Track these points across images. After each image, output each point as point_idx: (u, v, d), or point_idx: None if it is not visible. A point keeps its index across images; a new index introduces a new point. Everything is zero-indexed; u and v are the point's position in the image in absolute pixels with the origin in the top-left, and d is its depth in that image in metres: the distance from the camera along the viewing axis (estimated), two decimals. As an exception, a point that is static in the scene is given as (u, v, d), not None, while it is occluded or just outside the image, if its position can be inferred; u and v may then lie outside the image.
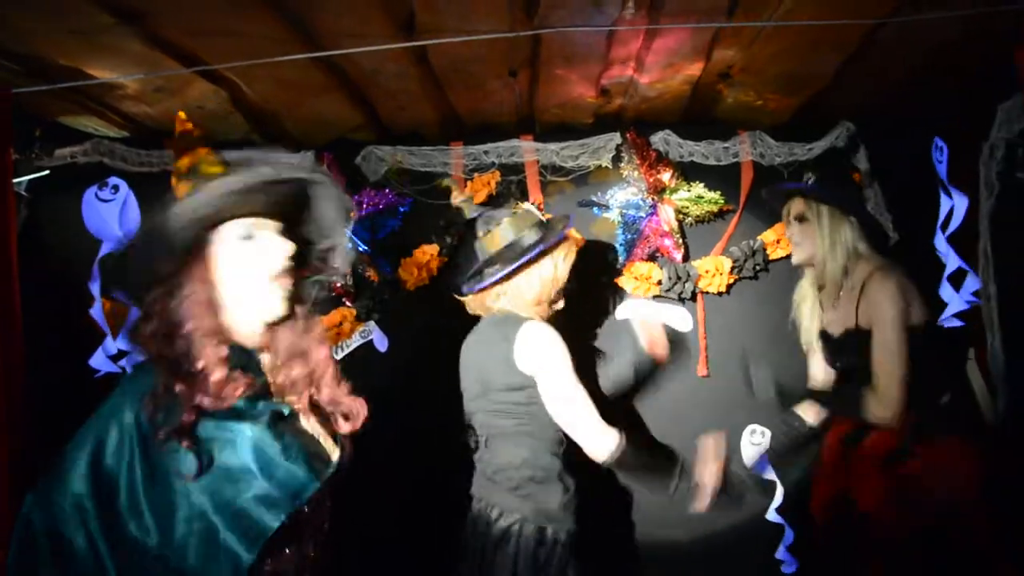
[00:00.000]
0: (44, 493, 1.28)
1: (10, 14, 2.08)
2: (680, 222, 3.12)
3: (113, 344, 2.69)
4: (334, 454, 1.56)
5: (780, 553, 2.89)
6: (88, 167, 3.10)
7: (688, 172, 3.14)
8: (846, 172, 3.06)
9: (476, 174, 3.20)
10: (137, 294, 1.42)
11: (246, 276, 1.48)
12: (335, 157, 3.18)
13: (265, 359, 1.55)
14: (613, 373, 2.67)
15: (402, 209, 3.22)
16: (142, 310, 1.41)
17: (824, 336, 2.59)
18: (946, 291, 2.44)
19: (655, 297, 3.09)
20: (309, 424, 1.56)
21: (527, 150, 3.18)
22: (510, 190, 3.16)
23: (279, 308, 1.51)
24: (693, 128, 3.16)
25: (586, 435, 2.16)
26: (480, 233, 2.44)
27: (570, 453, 2.25)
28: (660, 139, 3.14)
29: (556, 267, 2.34)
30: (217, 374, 1.37)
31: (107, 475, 1.29)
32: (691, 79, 2.74)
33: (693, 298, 3.11)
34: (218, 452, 1.36)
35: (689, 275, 3.05)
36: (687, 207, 3.10)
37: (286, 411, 1.50)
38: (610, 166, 3.16)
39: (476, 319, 2.46)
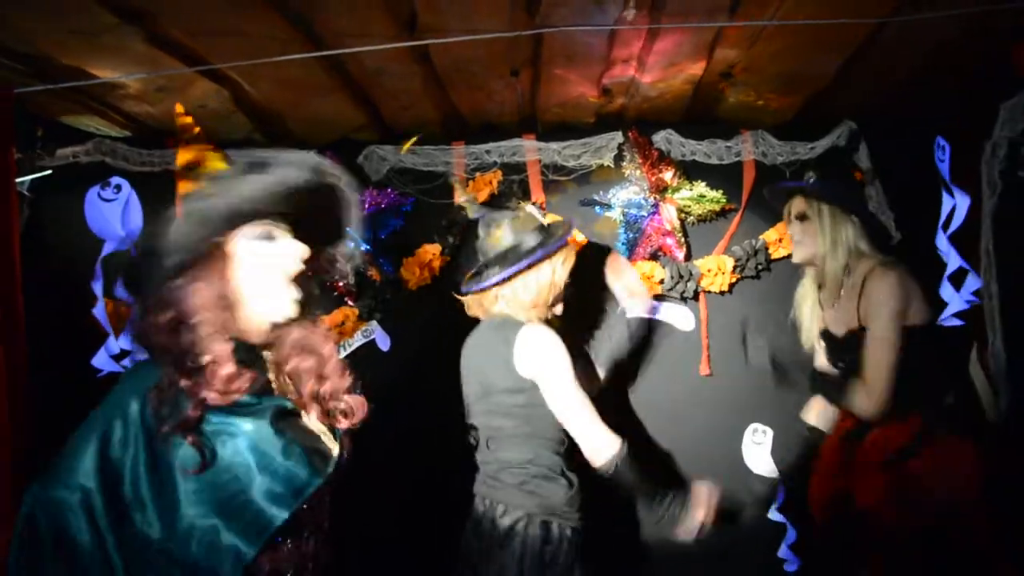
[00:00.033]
0: (47, 490, 1.28)
1: (13, 14, 2.08)
2: (682, 221, 3.12)
3: (116, 344, 2.69)
4: (334, 451, 1.57)
5: (782, 552, 2.89)
6: (90, 167, 3.10)
7: (690, 171, 3.14)
8: (848, 171, 3.06)
9: (478, 173, 3.20)
10: (153, 286, 1.42)
11: (261, 276, 1.49)
12: (337, 156, 3.18)
13: (268, 356, 1.57)
14: (611, 343, 2.67)
15: (404, 208, 3.22)
16: (156, 299, 1.41)
17: (826, 336, 2.59)
18: (946, 290, 2.44)
19: (657, 296, 3.09)
20: (311, 421, 1.57)
21: (529, 149, 3.18)
22: (512, 189, 3.16)
23: (290, 310, 1.53)
24: (695, 127, 3.16)
25: (587, 437, 2.17)
26: (481, 234, 2.45)
27: (572, 451, 2.26)
28: (662, 138, 3.14)
29: (554, 272, 2.34)
30: (226, 368, 1.38)
31: (114, 468, 1.29)
32: (693, 78, 2.74)
33: (695, 297, 3.11)
34: (221, 447, 1.36)
35: (691, 274, 3.05)
36: (689, 206, 3.09)
37: (289, 406, 1.51)
38: (612, 165, 3.16)
39: (477, 319, 2.47)
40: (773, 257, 3.09)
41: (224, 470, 1.35)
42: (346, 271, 3.05)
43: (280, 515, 1.37)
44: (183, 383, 1.35)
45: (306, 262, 1.55)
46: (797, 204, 2.59)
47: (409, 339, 3.17)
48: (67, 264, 2.95)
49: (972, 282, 2.40)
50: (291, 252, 1.52)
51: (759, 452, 3.00)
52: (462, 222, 3.14)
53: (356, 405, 1.66)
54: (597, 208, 3.16)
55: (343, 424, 1.63)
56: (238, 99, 2.76)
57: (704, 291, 3.10)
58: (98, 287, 2.61)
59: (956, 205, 2.37)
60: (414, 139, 3.14)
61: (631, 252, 3.09)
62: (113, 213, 2.59)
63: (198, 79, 2.54)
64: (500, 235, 2.39)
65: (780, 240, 3.06)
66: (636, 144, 3.08)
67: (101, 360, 2.71)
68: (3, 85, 2.26)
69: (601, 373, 2.68)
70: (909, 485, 2.27)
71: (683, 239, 3.09)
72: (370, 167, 3.21)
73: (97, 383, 2.70)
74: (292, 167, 1.49)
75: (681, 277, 3.05)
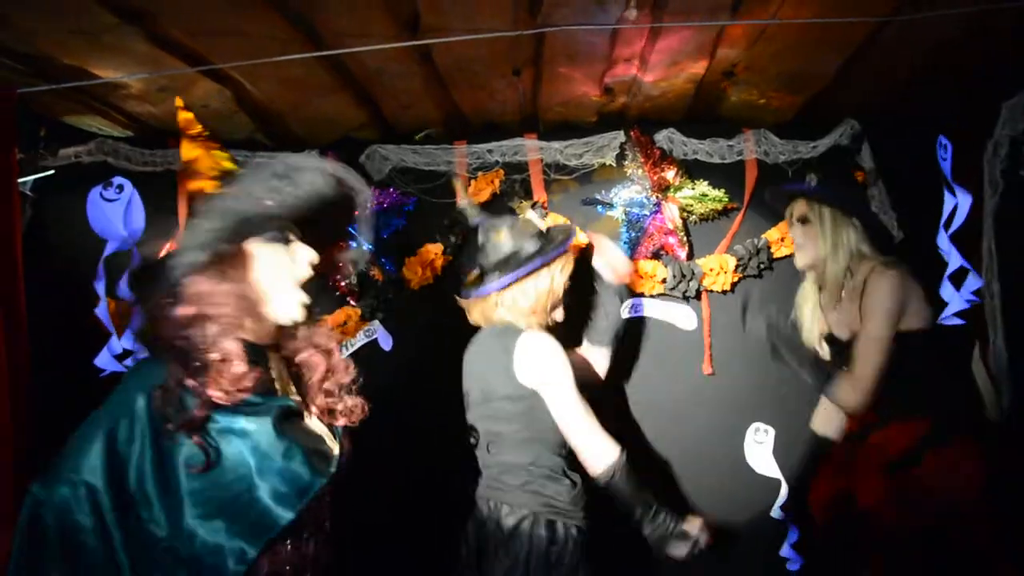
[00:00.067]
0: (52, 489, 1.27)
1: (14, 14, 2.08)
2: (684, 220, 3.12)
3: (118, 343, 2.69)
4: (335, 452, 1.58)
5: (785, 551, 2.89)
6: (92, 167, 3.10)
7: (692, 170, 3.14)
8: (849, 172, 3.05)
9: (480, 173, 3.20)
10: (172, 282, 1.42)
11: (275, 278, 1.52)
12: (339, 156, 3.18)
13: (271, 356, 1.57)
14: (604, 324, 2.67)
15: (406, 208, 3.22)
16: (176, 294, 1.41)
17: (830, 339, 2.59)
18: (946, 290, 2.44)
19: (659, 295, 3.10)
20: (313, 422, 1.58)
21: (531, 149, 3.18)
22: (514, 189, 3.16)
23: (299, 313, 1.55)
24: (697, 126, 3.15)
25: (586, 445, 2.19)
26: (481, 240, 2.46)
27: (573, 453, 2.26)
28: (664, 137, 3.13)
29: (553, 279, 2.35)
30: (236, 367, 1.39)
31: (120, 465, 1.29)
32: (695, 77, 2.74)
33: (697, 296, 3.11)
34: (226, 446, 1.37)
35: (693, 273, 3.04)
36: (691, 205, 3.09)
37: (293, 407, 1.52)
38: (614, 164, 3.16)
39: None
40: (775, 256, 3.09)
41: (229, 470, 1.36)
42: (351, 272, 3.06)
43: (285, 515, 1.38)
44: (189, 382, 1.36)
45: (315, 266, 1.57)
46: (798, 207, 2.59)
47: (411, 339, 3.17)
48: (69, 264, 2.95)
49: (973, 281, 2.41)
50: (303, 257, 1.55)
51: (761, 451, 3.00)
52: (464, 222, 3.13)
53: (356, 405, 1.69)
54: (599, 207, 3.16)
55: (341, 422, 1.65)
56: (240, 99, 2.76)
57: (706, 290, 3.10)
58: (100, 287, 2.61)
59: (958, 204, 2.38)
60: (427, 132, 3.15)
61: (633, 251, 3.09)
62: (115, 213, 2.59)
63: (200, 79, 2.54)
64: (500, 241, 2.40)
65: (782, 239, 3.06)
66: (638, 143, 3.08)
67: (104, 360, 2.71)
68: (6, 85, 2.26)
69: (604, 362, 2.69)
70: (911, 488, 2.27)
71: (685, 238, 3.09)
72: (372, 166, 3.21)
73: (100, 383, 2.70)
74: (318, 175, 1.52)
75: (683, 276, 3.05)
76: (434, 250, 3.15)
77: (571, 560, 2.16)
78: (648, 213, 3.09)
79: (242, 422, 1.39)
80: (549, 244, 2.37)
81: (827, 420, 2.68)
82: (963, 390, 2.67)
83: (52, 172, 3.10)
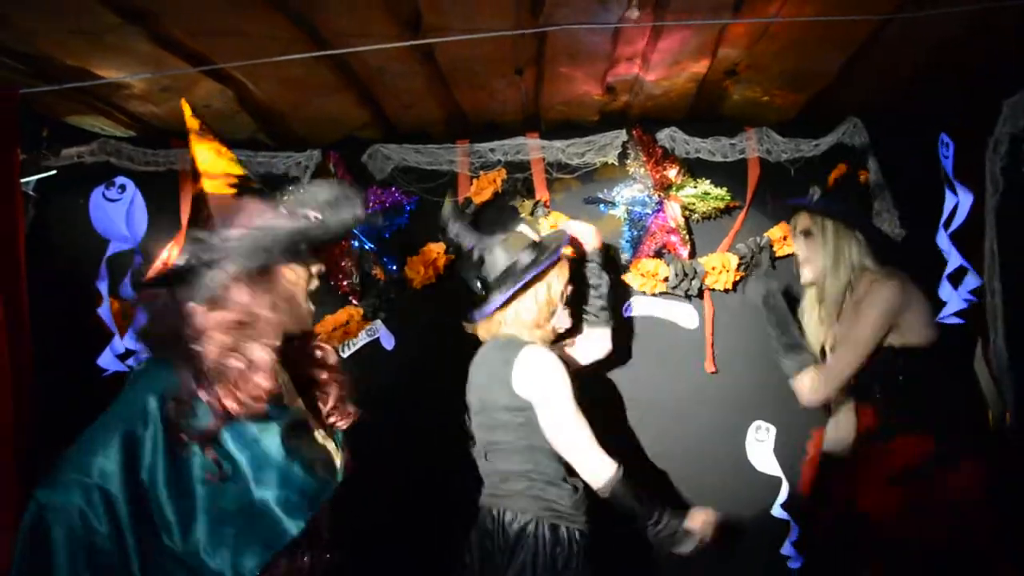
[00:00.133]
0: (61, 494, 1.25)
1: (15, 14, 2.08)
2: (686, 219, 3.12)
3: (121, 343, 2.70)
4: (339, 461, 1.59)
5: (786, 548, 2.90)
6: (95, 167, 3.10)
7: (694, 169, 3.13)
8: (853, 179, 3.04)
9: (482, 172, 3.20)
10: (214, 286, 1.42)
11: (294, 292, 1.56)
12: (341, 156, 3.19)
13: (278, 365, 1.58)
14: (599, 303, 2.67)
15: (408, 207, 3.22)
16: (217, 298, 1.42)
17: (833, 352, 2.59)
18: (945, 289, 2.44)
19: (662, 294, 3.10)
20: (319, 433, 1.59)
21: (533, 148, 3.18)
22: (516, 188, 3.17)
23: (308, 323, 1.57)
24: (699, 125, 3.15)
25: (585, 461, 2.20)
26: (476, 262, 2.47)
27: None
28: (666, 136, 3.13)
29: (550, 288, 2.36)
30: (260, 377, 1.40)
31: (136, 470, 1.29)
32: (697, 76, 2.74)
33: (700, 295, 3.11)
34: (238, 456, 1.37)
35: (696, 272, 3.04)
36: (693, 204, 3.09)
37: (301, 418, 1.53)
38: (616, 163, 3.16)
39: None
40: (778, 254, 3.09)
41: (240, 479, 1.36)
42: (353, 272, 3.06)
43: (296, 525, 1.38)
44: (203, 394, 1.36)
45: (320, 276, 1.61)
46: (802, 221, 2.59)
47: (413, 338, 3.17)
48: (72, 264, 2.95)
49: (971, 280, 2.40)
50: (316, 270, 1.60)
51: (762, 449, 3.00)
52: (466, 221, 3.13)
53: (352, 412, 1.72)
54: (601, 206, 3.16)
55: (337, 423, 1.68)
56: (242, 99, 2.76)
57: (708, 289, 3.10)
58: (103, 287, 2.62)
59: (959, 202, 2.37)
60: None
61: (635, 250, 3.08)
62: (118, 213, 2.60)
63: (202, 79, 2.54)
64: (494, 260, 2.42)
65: (784, 238, 3.05)
66: (640, 142, 3.08)
67: (106, 360, 2.72)
68: (8, 85, 2.26)
69: (605, 343, 2.70)
70: (917, 502, 2.26)
71: (687, 236, 3.09)
72: (374, 166, 3.21)
73: (102, 383, 2.71)
74: (353, 209, 1.57)
75: (685, 275, 3.04)
76: (436, 249, 3.15)
77: (575, 563, 2.17)
78: (650, 212, 3.08)
79: (253, 432, 1.40)
80: (543, 254, 2.38)
81: (834, 440, 2.68)
82: (968, 403, 2.67)
83: (55, 172, 3.10)
